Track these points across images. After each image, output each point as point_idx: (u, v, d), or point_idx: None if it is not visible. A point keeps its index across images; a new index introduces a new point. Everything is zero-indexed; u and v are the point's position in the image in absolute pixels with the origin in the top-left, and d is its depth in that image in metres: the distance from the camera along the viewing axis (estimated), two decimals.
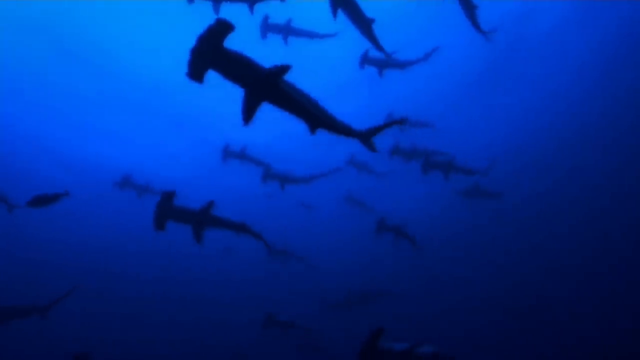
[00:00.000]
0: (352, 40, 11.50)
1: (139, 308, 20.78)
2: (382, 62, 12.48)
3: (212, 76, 4.88)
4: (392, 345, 6.50)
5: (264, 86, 4.58)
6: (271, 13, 12.20)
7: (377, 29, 8.83)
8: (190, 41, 4.50)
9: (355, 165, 17.12)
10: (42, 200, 7.15)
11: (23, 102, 25.79)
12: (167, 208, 6.88)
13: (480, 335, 17.74)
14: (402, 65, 12.97)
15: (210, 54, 4.35)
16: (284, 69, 4.47)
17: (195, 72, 4.42)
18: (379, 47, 8.80)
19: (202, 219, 7.00)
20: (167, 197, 6.89)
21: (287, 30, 12.62)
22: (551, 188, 26.06)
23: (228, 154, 14.00)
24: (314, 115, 4.98)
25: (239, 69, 4.46)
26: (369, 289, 17.62)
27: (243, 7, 9.77)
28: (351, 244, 24.07)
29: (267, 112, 5.14)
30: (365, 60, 12.70)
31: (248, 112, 4.80)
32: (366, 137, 5.46)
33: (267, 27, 12.44)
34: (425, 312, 18.48)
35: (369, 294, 17.34)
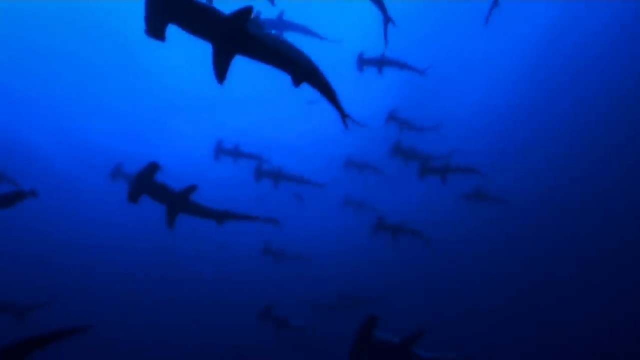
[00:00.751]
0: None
1: (134, 307, 20.58)
2: (379, 60, 12.62)
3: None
4: (389, 337, 6.17)
5: (231, 34, 4.11)
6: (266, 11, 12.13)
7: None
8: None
9: (355, 166, 16.94)
10: (4, 200, 6.46)
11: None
12: (146, 181, 6.45)
13: (480, 340, 17.45)
14: (400, 64, 13.07)
15: (166, 4, 3.91)
16: (247, 10, 4.02)
17: (154, 27, 4.01)
18: (385, 12, 8.72)
19: (177, 202, 6.63)
20: (150, 169, 6.43)
21: (281, 26, 12.55)
22: (555, 192, 25.82)
23: (221, 150, 13.83)
24: (295, 63, 4.53)
25: (200, 19, 4.04)
26: (364, 292, 17.32)
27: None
28: (349, 246, 23.85)
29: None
30: (362, 62, 12.81)
31: (220, 69, 4.38)
32: (345, 113, 5.18)
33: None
34: (423, 315, 18.17)
35: (364, 297, 17.02)
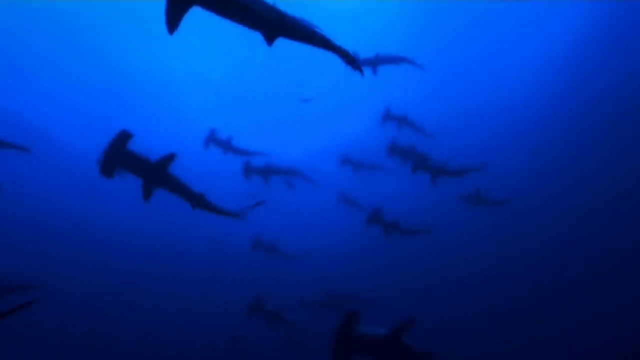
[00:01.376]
0: None
1: (128, 303, 20.52)
2: (372, 60, 12.64)
3: None
4: (375, 331, 5.86)
5: None
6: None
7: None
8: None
9: (351, 163, 16.79)
10: None
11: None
12: (119, 151, 5.86)
13: (481, 342, 17.28)
14: (395, 61, 13.05)
15: None
16: None
17: None
18: None
19: (154, 173, 6.14)
20: (122, 137, 5.84)
21: None
22: (560, 192, 25.58)
23: (212, 140, 13.57)
24: (265, 18, 4.20)
25: None
26: (362, 292, 17.12)
27: None
28: (347, 244, 23.69)
29: None
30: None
31: (172, 20, 4.13)
32: (350, 57, 4.74)
33: None
34: (422, 317, 17.97)
35: (359, 297, 16.81)
